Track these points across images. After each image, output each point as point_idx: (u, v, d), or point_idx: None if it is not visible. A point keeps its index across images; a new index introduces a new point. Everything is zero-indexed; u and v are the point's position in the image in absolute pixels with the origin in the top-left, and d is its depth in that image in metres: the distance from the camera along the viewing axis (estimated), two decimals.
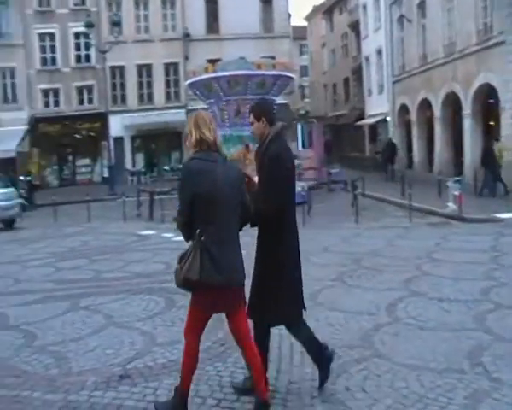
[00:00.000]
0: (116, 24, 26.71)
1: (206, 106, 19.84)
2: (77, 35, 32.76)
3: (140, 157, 34.55)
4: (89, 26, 26.46)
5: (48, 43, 33.25)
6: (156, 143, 34.60)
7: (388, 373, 4.28)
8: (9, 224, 16.74)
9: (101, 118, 30.61)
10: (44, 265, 9.78)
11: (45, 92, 33.22)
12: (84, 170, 34.34)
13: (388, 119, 31.83)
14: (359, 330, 5.30)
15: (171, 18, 34.32)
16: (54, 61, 33.33)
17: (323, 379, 4.06)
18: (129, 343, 5.18)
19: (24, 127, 31.79)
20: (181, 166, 32.43)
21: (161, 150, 34.79)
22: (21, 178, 25.62)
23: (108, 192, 25.05)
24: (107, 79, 28.18)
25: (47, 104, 33.30)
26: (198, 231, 3.46)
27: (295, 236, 4.01)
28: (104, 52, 25.95)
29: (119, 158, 31.17)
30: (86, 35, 29.81)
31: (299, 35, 56.67)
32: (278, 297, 3.85)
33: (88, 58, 33.35)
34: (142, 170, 32.97)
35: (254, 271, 3.95)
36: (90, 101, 33.41)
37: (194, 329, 3.66)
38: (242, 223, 3.73)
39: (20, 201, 18.29)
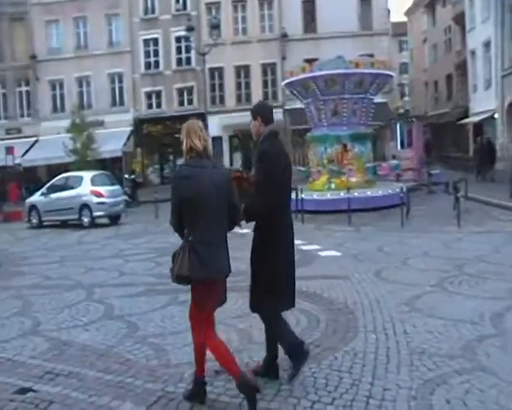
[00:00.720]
0: (215, 27, 27.37)
1: (303, 105, 19.84)
2: (178, 39, 34.02)
3: (238, 156, 35.25)
4: (189, 29, 27.32)
5: (151, 48, 34.80)
6: (253, 142, 35.09)
7: (493, 389, 4.01)
8: (115, 219, 17.72)
9: (201, 118, 31.42)
10: (146, 259, 10.26)
11: (148, 95, 34.79)
12: None
13: (496, 116, 30.12)
14: (460, 339, 5.03)
15: (269, 19, 34.65)
16: (157, 64, 34.83)
17: (302, 362, 4.29)
18: (225, 340, 5.26)
19: (129, 128, 33.55)
20: None
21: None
22: (126, 176, 27.08)
23: None
24: (206, 81, 29.01)
25: (150, 106, 34.86)
26: (186, 231, 3.90)
27: (289, 233, 4.26)
28: (204, 54, 26.70)
29: (217, 157, 31.99)
30: (187, 38, 30.82)
31: (399, 31, 55.09)
32: (271, 290, 4.14)
33: (188, 61, 34.50)
34: (240, 169, 33.56)
35: (251, 267, 4.26)
36: (190, 102, 34.54)
37: (207, 322, 4.01)
38: (231, 224, 4.06)
39: (125, 198, 19.33)
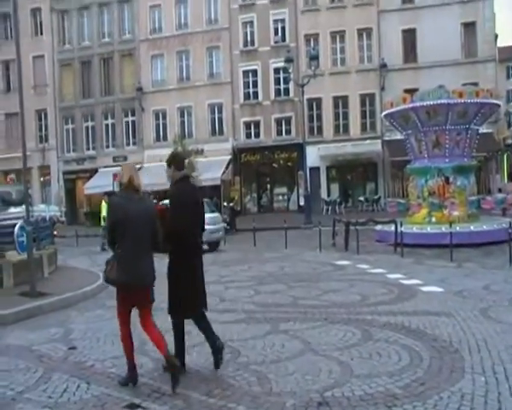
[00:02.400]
0: (314, 58, 27.75)
1: (402, 137, 19.54)
2: (277, 70, 34.83)
3: (335, 187, 35.12)
4: (288, 61, 27.92)
5: (251, 79, 35.86)
6: (351, 173, 34.93)
7: None
8: (214, 246, 18.21)
9: (298, 148, 31.83)
10: (245, 287, 10.47)
11: (247, 124, 35.76)
12: (280, 198, 36.04)
13: None
14: None
15: (368, 49, 34.58)
16: (256, 95, 35.80)
17: (218, 361, 5.53)
18: (326, 371, 5.30)
19: (228, 157, 34.58)
20: (375, 197, 32.19)
21: (356, 181, 35.02)
22: (225, 204, 27.82)
23: (304, 221, 25.85)
24: (304, 111, 29.35)
25: (249, 135, 35.79)
26: (116, 245, 5.16)
27: (195, 254, 5.53)
28: (302, 85, 27.11)
29: (314, 188, 32.09)
30: (285, 70, 31.47)
31: (506, 56, 52.81)
32: (177, 299, 5.45)
33: (287, 91, 35.15)
34: (338, 200, 33.45)
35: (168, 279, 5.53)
36: (288, 132, 35.07)
37: (122, 318, 5.29)
38: (154, 242, 5.26)
39: (224, 225, 19.83)
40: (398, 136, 21.63)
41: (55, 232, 16.82)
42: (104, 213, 19.51)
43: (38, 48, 39.18)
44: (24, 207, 14.55)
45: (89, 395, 4.95)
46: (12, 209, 21.35)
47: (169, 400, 4.74)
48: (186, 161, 5.78)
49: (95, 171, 37.65)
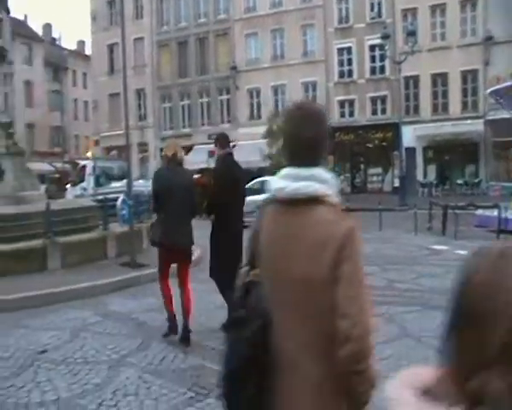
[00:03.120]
0: (411, 33, 26.65)
1: (510, 115, 18.37)
2: (372, 47, 33.83)
3: (432, 169, 33.76)
4: (385, 37, 27.02)
5: (345, 57, 35.10)
6: (450, 154, 33.40)
7: None
8: None
9: (394, 128, 30.90)
10: None
11: (341, 103, 35.15)
12: (375, 179, 35.22)
13: None
14: None
15: (471, 21, 32.62)
16: (350, 73, 35.04)
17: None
18: (423, 358, 5.13)
19: None
20: (476, 180, 30.52)
21: (455, 162, 33.40)
22: None
23: (399, 202, 25.15)
24: (400, 90, 28.37)
25: (343, 114, 35.18)
26: (158, 211, 6.06)
27: (235, 224, 6.07)
28: (399, 63, 26.18)
29: (410, 169, 31.04)
30: (381, 47, 30.52)
31: None
32: (220, 265, 5.95)
33: (382, 69, 34.10)
34: (434, 182, 32.16)
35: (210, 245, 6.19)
36: (383, 111, 34.10)
37: (164, 277, 6.11)
38: (192, 211, 6.04)
39: None
40: (505, 114, 20.34)
41: None
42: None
43: (139, 30, 40.62)
44: (125, 181, 15.24)
45: (186, 365, 5.12)
46: (114, 184, 22.47)
47: None
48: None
49: (190, 148, 38.68)
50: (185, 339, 5.87)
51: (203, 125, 39.75)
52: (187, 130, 40.24)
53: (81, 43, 64.16)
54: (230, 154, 6.35)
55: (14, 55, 45.89)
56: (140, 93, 41.90)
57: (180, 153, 6.11)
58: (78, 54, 61.00)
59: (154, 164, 41.47)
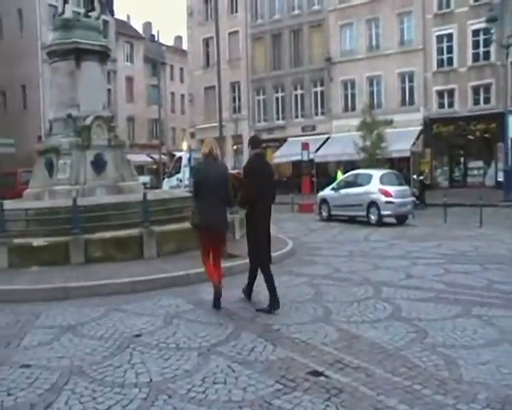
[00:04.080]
0: None
1: None
2: (475, 32, 32.13)
3: None
4: (491, 20, 25.54)
5: (445, 45, 33.63)
6: None
7: None
8: (402, 220, 17.68)
9: (498, 118, 29.22)
10: (434, 264, 9.99)
11: (440, 93, 33.75)
12: (475, 172, 33.46)
13: None
14: None
15: None
16: (450, 61, 33.53)
17: (276, 307, 6.82)
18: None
19: (418, 128, 33.09)
20: None
21: None
22: (414, 177, 26.77)
23: (503, 198, 23.82)
24: (507, 77, 26.68)
25: (441, 105, 33.78)
26: (197, 198, 7.06)
27: (265, 213, 7.06)
28: (507, 47, 24.66)
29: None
30: (486, 31, 28.89)
31: None
32: (253, 250, 7.17)
33: (487, 55, 32.25)
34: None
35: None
36: (487, 100, 32.29)
37: (204, 254, 7.20)
38: (227, 200, 7.09)
39: (413, 199, 19.13)
40: None
41: None
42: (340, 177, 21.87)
43: (233, 24, 41.27)
44: None
45: (274, 357, 5.13)
46: None
47: (352, 372, 4.70)
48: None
49: (284, 140, 38.84)
50: (216, 302, 7.00)
51: (297, 117, 39.72)
52: (280, 122, 40.38)
53: (178, 39, 66.26)
54: (259, 154, 7.33)
55: (118, 53, 48.33)
56: (234, 86, 42.57)
57: (215, 149, 7.17)
58: (176, 49, 63.06)
59: (246, 155, 42.07)
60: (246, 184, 7.05)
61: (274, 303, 6.84)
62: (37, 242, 9.68)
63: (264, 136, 40.90)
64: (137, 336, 5.89)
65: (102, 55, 13.54)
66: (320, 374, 4.67)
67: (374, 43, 36.21)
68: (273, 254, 10.36)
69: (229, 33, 41.21)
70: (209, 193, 6.88)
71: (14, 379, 4.75)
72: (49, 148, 12.80)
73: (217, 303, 6.97)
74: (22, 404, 4.25)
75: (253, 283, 7.37)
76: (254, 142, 7.46)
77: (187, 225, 10.24)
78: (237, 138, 42.40)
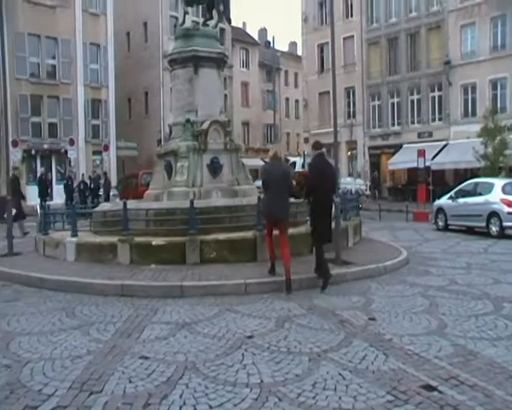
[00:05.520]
0: None
1: None
2: None
3: None
4: None
5: None
6: None
7: None
8: None
9: None
10: None
11: None
12: None
13: None
14: None
15: None
16: None
17: (325, 285, 8.39)
18: None
19: None
20: None
21: None
22: None
23: None
24: None
25: None
26: (265, 192, 8.84)
27: (323, 201, 8.68)
28: None
29: None
30: None
31: None
32: (316, 232, 8.73)
33: None
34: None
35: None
36: None
37: (267, 232, 8.99)
38: (289, 193, 8.77)
39: None
40: None
41: (361, 205, 17.53)
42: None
43: (348, 29, 40.82)
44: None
45: (386, 367, 5.00)
46: None
47: (468, 390, 4.45)
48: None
49: (399, 147, 37.82)
50: (287, 286, 8.22)
51: (412, 123, 38.47)
52: (396, 128, 39.37)
53: (293, 45, 66.81)
54: (320, 155, 9.04)
55: (234, 60, 49.74)
56: (349, 91, 42.17)
57: (279, 153, 9.07)
58: (290, 55, 63.64)
59: (362, 161, 41.45)
60: (309, 180, 8.95)
61: (323, 275, 8.50)
62: (156, 241, 10.15)
63: (379, 142, 40.30)
64: (249, 337, 5.99)
65: (219, 62, 13.96)
66: (433, 389, 4.49)
67: (499, 42, 34.00)
68: (386, 263, 10.26)
69: (344, 38, 40.83)
70: (274, 188, 8.52)
71: (135, 369, 5.04)
72: (169, 151, 13.42)
73: (271, 271, 8.85)
74: (141, 392, 4.50)
75: (323, 260, 8.67)
76: (315, 144, 9.26)
77: (301, 229, 10.35)
78: (352, 144, 42.02)
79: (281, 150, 9.54)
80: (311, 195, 8.70)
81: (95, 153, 37.05)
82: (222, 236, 10.30)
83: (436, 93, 37.17)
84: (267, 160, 9.45)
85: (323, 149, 9.27)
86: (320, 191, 8.60)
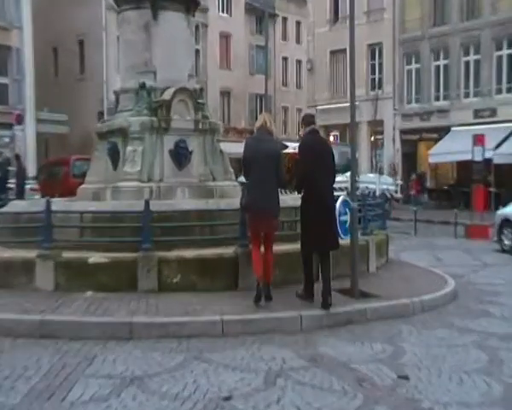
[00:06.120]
0: None
1: None
2: None
3: None
4: None
5: None
6: None
7: None
8: None
9: None
10: None
11: None
12: None
13: None
14: None
15: None
16: None
17: (326, 303, 9.02)
18: None
19: None
20: None
21: None
22: None
23: None
24: None
25: None
26: (247, 177, 9.20)
27: (321, 195, 9.12)
28: None
29: None
30: None
31: None
32: (306, 235, 9.34)
33: None
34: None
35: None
36: None
37: (254, 242, 9.26)
38: (278, 180, 9.10)
39: None
40: None
41: (389, 213, 17.59)
42: None
43: None
44: (348, 175, 15.50)
45: None
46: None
47: None
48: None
49: (446, 130, 37.88)
50: (267, 297, 9.07)
51: (467, 96, 38.63)
52: (441, 103, 39.61)
53: None
54: (312, 131, 9.56)
55: (211, 1, 49.48)
56: (374, 50, 42.55)
57: (270, 123, 9.25)
58: None
59: (390, 151, 41.56)
60: (301, 162, 9.47)
61: (307, 290, 9.43)
62: (95, 258, 10.12)
63: (416, 123, 40.36)
64: (227, 399, 6.01)
65: (189, 3, 13.97)
66: None
67: None
68: (424, 298, 10.33)
69: None
70: (257, 172, 8.89)
71: None
72: (114, 129, 13.40)
73: (257, 299, 8.97)
74: None
75: (313, 277, 9.48)
76: (307, 118, 9.95)
77: (299, 247, 10.38)
78: (376, 126, 42.17)
79: (271, 119, 9.56)
80: (303, 185, 9.29)
81: (1, 126, 36.10)
82: (190, 253, 10.32)
83: (504, 51, 37.35)
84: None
85: (316, 125, 9.77)
86: (316, 181, 9.06)
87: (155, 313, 8.79)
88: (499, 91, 37.40)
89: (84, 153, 26.16)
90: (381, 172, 37.16)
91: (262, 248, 9.30)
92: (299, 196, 9.57)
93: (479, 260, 16.98)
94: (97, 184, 13.51)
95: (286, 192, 10.94)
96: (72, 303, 9.26)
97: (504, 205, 20.37)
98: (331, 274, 9.38)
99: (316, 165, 9.04)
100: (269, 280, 9.10)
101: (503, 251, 18.68)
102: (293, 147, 28.97)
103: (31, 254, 10.42)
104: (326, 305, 8.93)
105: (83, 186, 14.19)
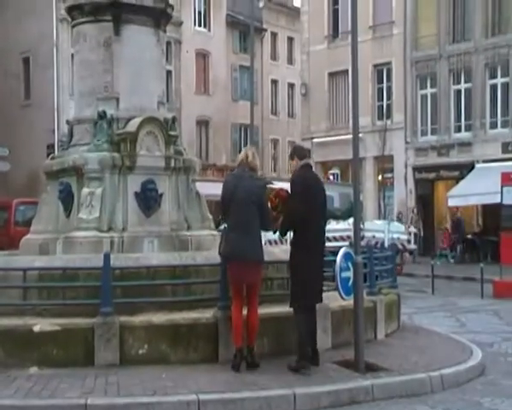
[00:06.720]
0: None
1: None
2: None
3: None
4: None
5: None
6: None
7: None
8: None
9: None
10: None
11: None
12: None
13: None
14: None
15: None
16: None
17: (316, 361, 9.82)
18: None
19: None
20: None
21: None
22: None
23: None
24: None
25: None
26: (224, 219, 9.91)
27: (319, 241, 9.80)
28: None
29: None
30: None
31: None
32: (300, 287, 9.57)
33: None
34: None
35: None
36: None
37: (235, 298, 9.50)
38: (263, 226, 9.58)
39: None
40: None
41: (400, 267, 17.64)
42: None
43: None
44: (351, 222, 15.55)
45: None
46: (333, 224, 23.04)
47: None
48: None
49: (470, 167, 37.91)
50: (252, 365, 9.45)
51: (494, 126, 38.78)
52: (463, 135, 39.79)
53: None
54: (307, 166, 10.07)
55: (185, 13, 49.82)
56: (381, 71, 42.85)
57: (252, 157, 9.60)
58: (280, 6, 64.33)
59: (403, 192, 41.57)
60: (294, 202, 9.59)
61: (301, 358, 9.50)
62: (41, 325, 10.01)
63: (433, 159, 40.42)
64: None
65: (158, 15, 14.06)
66: None
67: None
68: (444, 372, 10.31)
69: None
70: (236, 214, 9.33)
71: None
72: (68, 167, 13.37)
73: (235, 365, 9.33)
74: None
75: (308, 341, 9.70)
76: (299, 151, 10.41)
77: (290, 310, 10.40)
78: (385, 162, 42.31)
79: (255, 153, 9.93)
80: (294, 227, 9.72)
81: None
82: (159, 317, 10.29)
83: None
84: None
85: (311, 159, 10.30)
86: (311, 223, 9.55)
87: (116, 393, 8.66)
88: None
89: (30, 196, 26.19)
90: (390, 218, 37.16)
91: (244, 311, 9.53)
92: (287, 245, 10.13)
93: (511, 326, 16.98)
94: (46, 234, 13.47)
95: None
96: (11, 383, 9.08)
97: None
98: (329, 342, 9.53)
99: (311, 205, 9.46)
100: (252, 344, 9.47)
101: None
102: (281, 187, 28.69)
103: None
104: (317, 361, 9.70)
105: (27, 237, 14.13)
